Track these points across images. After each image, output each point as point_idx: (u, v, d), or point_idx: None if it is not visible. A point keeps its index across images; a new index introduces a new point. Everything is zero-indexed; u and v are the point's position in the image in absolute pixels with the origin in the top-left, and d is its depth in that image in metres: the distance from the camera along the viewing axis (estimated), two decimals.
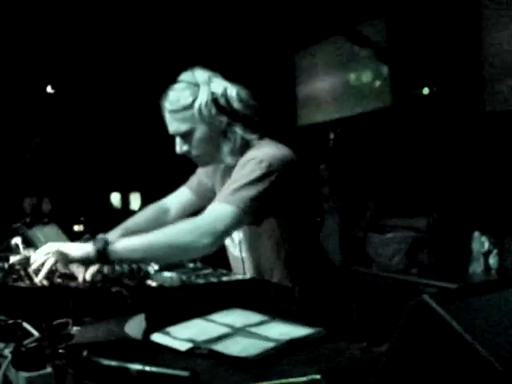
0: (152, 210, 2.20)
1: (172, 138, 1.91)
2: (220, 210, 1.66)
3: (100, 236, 1.63)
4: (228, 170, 1.94)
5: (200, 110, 1.76)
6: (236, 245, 2.00)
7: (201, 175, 2.16)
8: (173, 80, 1.87)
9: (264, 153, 1.75)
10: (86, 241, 2.09)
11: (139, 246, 1.62)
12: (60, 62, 5.82)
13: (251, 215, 1.70)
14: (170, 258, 1.71)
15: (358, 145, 4.89)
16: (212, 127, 1.80)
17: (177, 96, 1.79)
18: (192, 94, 1.78)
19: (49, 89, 6.10)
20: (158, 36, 5.66)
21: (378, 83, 5.30)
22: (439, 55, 4.36)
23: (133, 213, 2.21)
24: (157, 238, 1.63)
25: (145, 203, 2.28)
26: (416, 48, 4.59)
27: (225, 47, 5.72)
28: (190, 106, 1.77)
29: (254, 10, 5.31)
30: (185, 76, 1.84)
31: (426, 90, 4.63)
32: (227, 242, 2.02)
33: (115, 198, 7.17)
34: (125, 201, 7.21)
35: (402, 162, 4.47)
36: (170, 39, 5.71)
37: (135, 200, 7.29)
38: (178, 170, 2.31)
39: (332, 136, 5.06)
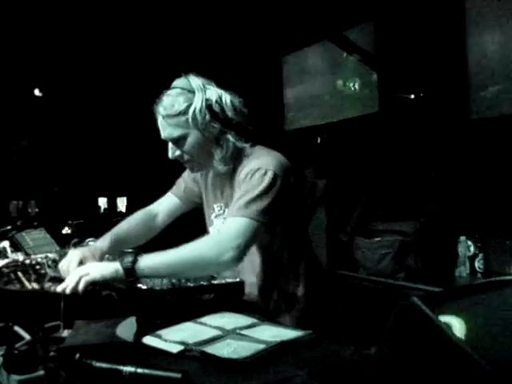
0: (140, 216, 2.20)
1: (158, 144, 1.92)
2: (239, 225, 1.67)
3: (127, 255, 1.63)
4: (218, 177, 1.96)
5: (194, 116, 1.77)
6: None
7: (187, 181, 2.17)
8: (161, 85, 1.88)
9: (266, 162, 1.76)
10: (75, 245, 2.10)
11: (164, 264, 1.62)
12: (48, 65, 5.80)
13: (268, 224, 1.71)
14: (194, 274, 1.71)
15: (344, 150, 4.92)
16: (205, 134, 1.80)
17: (171, 101, 1.80)
18: (187, 100, 1.78)
19: (36, 92, 6.08)
20: (147, 41, 5.66)
21: (365, 88, 5.33)
22: (426, 61, 4.40)
23: (120, 216, 2.21)
24: (181, 255, 1.64)
25: (131, 208, 2.28)
26: (403, 54, 4.63)
27: (212, 51, 5.73)
28: (185, 112, 1.78)
29: (241, 14, 5.33)
30: (179, 82, 1.84)
31: (412, 96, 4.68)
32: None
33: (102, 203, 7.16)
34: (112, 205, 7.20)
35: (388, 167, 4.50)
36: (159, 44, 5.71)
37: (122, 204, 7.28)
38: (163, 176, 2.32)
39: (319, 140, 5.08)
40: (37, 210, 6.07)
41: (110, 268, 1.60)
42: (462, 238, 3.44)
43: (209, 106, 1.78)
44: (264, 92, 6.04)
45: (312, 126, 5.82)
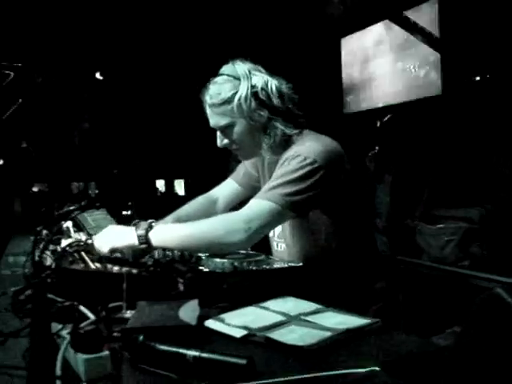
0: (201, 200, 2.21)
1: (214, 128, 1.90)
2: (257, 207, 1.64)
3: (142, 222, 1.66)
4: (273, 163, 1.91)
5: (240, 104, 1.73)
6: (275, 239, 1.99)
7: (247, 165, 2.15)
8: (216, 69, 1.85)
9: (308, 149, 1.70)
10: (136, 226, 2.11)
11: (175, 236, 1.63)
12: (109, 49, 5.89)
13: (294, 211, 1.66)
14: (203, 251, 1.71)
15: (407, 134, 4.79)
16: (252, 122, 1.76)
17: (217, 89, 1.77)
18: (232, 87, 1.75)
19: (98, 75, 6.18)
20: (204, 24, 5.66)
21: (427, 70, 5.17)
22: (492, 40, 4.22)
23: (177, 199, 2.22)
24: (191, 231, 1.64)
25: (188, 190, 2.29)
26: (468, 33, 4.45)
27: (270, 34, 5.68)
28: (230, 100, 1.74)
29: None
30: (226, 69, 1.81)
31: (478, 78, 4.50)
32: (270, 234, 2.01)
33: (160, 185, 7.28)
34: (169, 187, 7.30)
35: (452, 152, 4.35)
36: (216, 27, 5.70)
37: (179, 187, 7.38)
38: (220, 158, 2.31)
39: (378, 124, 4.97)
40: (97, 191, 6.21)
41: (126, 235, 1.63)
42: None
43: (254, 94, 1.73)
44: (322, 75, 5.95)
45: (372, 109, 5.70)
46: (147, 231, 1.60)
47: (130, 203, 3.59)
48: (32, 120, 6.14)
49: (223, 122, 1.79)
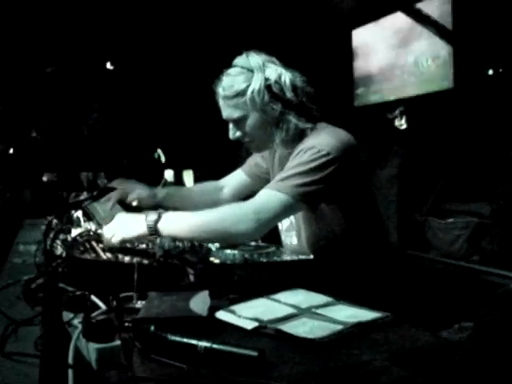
0: (207, 185, 2.26)
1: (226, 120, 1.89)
2: (268, 197, 1.64)
3: (152, 212, 1.66)
4: (284, 157, 1.90)
5: (253, 97, 1.72)
6: (285, 233, 1.98)
7: (257, 157, 2.15)
8: (229, 60, 1.83)
9: (323, 141, 1.69)
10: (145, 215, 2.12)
11: (185, 226, 1.63)
12: (120, 39, 5.88)
13: (306, 203, 1.66)
14: (213, 241, 1.71)
15: (416, 127, 4.76)
16: (265, 115, 1.75)
17: (230, 81, 1.76)
18: (246, 79, 1.73)
19: (108, 65, 6.18)
20: (218, 15, 5.65)
21: (439, 63, 5.13)
22: (505, 34, 4.18)
23: None
24: (200, 220, 1.63)
25: (197, 180, 2.31)
26: (481, 26, 4.40)
27: (281, 26, 5.65)
28: (243, 93, 1.73)
29: None
30: (239, 60, 1.79)
31: (490, 72, 4.46)
32: (279, 227, 2.00)
33: (168, 175, 7.27)
34: (178, 178, 7.29)
35: (464, 146, 4.32)
36: (229, 18, 5.68)
37: (188, 177, 7.37)
38: (230, 149, 2.31)
39: (390, 116, 4.94)
40: (106, 181, 6.21)
41: (135, 225, 1.62)
42: None
43: (268, 86, 1.72)
44: (333, 67, 5.92)
45: (382, 102, 5.67)
46: (156, 221, 1.60)
47: None
48: (42, 109, 6.15)
49: (236, 114, 1.78)
